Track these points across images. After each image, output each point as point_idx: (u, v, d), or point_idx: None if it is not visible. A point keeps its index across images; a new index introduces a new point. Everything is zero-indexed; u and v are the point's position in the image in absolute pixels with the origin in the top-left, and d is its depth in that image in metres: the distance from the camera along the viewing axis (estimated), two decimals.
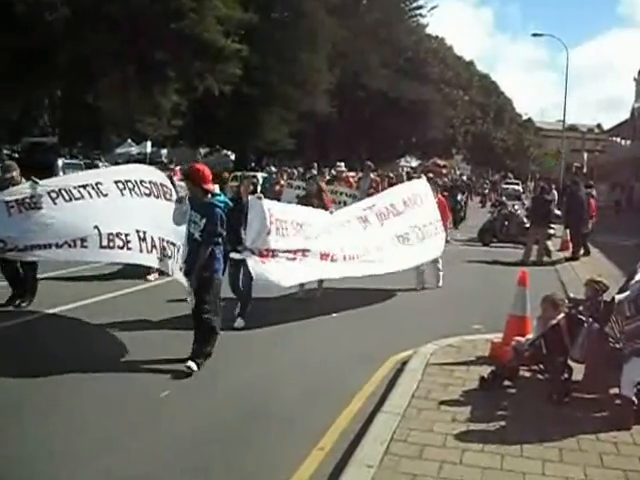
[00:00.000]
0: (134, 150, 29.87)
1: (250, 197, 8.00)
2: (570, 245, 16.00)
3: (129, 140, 30.37)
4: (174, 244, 6.58)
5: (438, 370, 6.31)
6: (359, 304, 9.46)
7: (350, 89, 47.20)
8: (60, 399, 5.54)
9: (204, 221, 6.37)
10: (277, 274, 7.91)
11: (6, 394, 5.53)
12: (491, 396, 5.60)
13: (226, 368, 6.46)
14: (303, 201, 10.38)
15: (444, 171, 29.01)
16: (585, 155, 42.94)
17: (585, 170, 38.27)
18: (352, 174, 21.93)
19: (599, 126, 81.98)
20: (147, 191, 6.88)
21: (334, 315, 8.78)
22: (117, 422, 5.12)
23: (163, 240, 6.57)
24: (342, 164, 20.27)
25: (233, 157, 34.27)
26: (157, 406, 5.51)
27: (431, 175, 17.41)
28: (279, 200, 13.86)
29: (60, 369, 6.09)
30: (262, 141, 39.32)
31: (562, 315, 5.63)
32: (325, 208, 9.74)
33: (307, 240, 8.50)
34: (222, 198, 6.60)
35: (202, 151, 33.98)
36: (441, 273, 11.16)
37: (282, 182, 17.15)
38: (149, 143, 27.82)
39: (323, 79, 41.14)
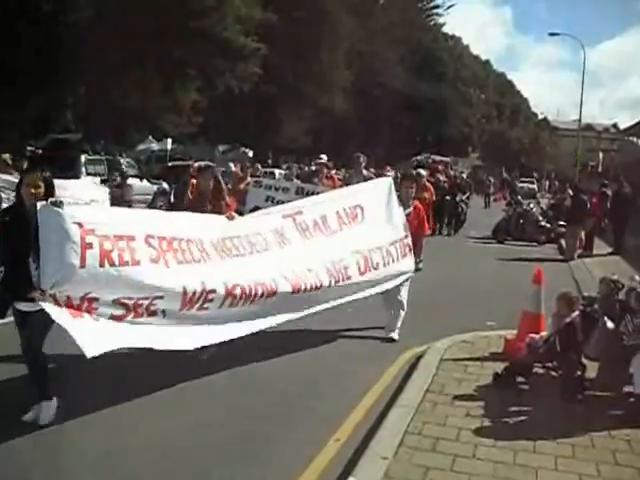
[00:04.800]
0: (155, 147, 30.15)
1: (40, 204, 4.61)
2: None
3: (150, 137, 30.66)
4: None
5: (452, 365, 6.37)
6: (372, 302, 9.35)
7: (367, 87, 47.35)
8: None
9: None
10: (106, 334, 4.76)
11: None
12: (504, 392, 5.64)
13: (239, 366, 6.44)
14: (192, 203, 7.02)
15: (440, 167, 26.06)
16: (601, 155, 42.64)
17: (600, 169, 37.96)
18: (337, 173, 17.74)
19: (615, 125, 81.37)
20: None
21: (349, 310, 8.82)
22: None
23: None
24: (324, 156, 16.18)
25: (251, 154, 34.46)
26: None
27: (423, 172, 15.36)
28: (244, 203, 11.19)
29: None
30: (280, 138, 39.53)
31: (577, 313, 5.67)
32: (220, 211, 6.62)
33: (184, 269, 5.31)
34: None
35: (221, 148, 34.19)
36: (402, 314, 7.70)
37: (248, 179, 13.13)
38: (169, 140, 28.08)
39: (340, 77, 41.31)
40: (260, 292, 5.77)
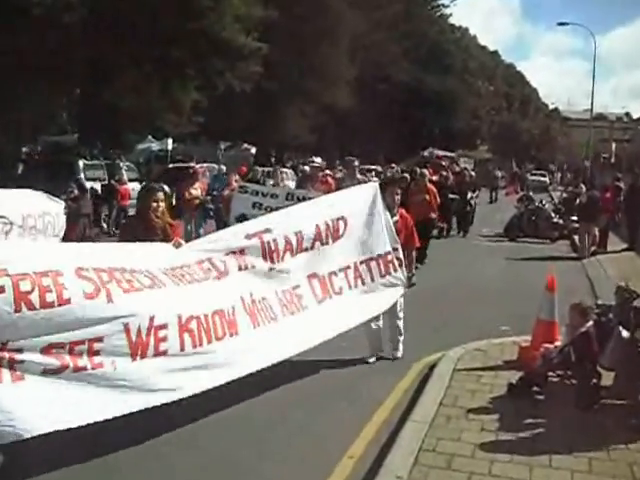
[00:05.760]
0: (155, 146, 30.00)
1: None
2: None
3: (149, 136, 30.52)
4: None
5: (465, 376, 6.31)
6: None
7: (372, 82, 47.09)
8: None
9: None
10: (25, 408, 3.94)
11: None
12: (519, 403, 5.59)
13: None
14: (129, 227, 6.47)
15: (444, 163, 24.18)
16: (613, 145, 42.30)
17: (613, 160, 37.66)
18: (332, 173, 15.72)
19: (628, 114, 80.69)
20: None
21: None
22: None
23: None
24: (318, 159, 15.68)
25: (254, 151, 34.35)
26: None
27: (425, 171, 14.07)
28: (228, 210, 10.83)
29: None
30: (283, 136, 39.41)
31: (591, 323, 5.61)
32: (166, 237, 5.72)
33: (131, 299, 4.47)
34: None
35: (222, 146, 34.01)
36: (401, 338, 7.06)
37: (234, 184, 12.42)
38: (170, 140, 27.97)
39: (344, 72, 41.08)
40: (219, 323, 5.01)
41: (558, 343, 5.98)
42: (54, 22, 20.00)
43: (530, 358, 6.22)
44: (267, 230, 5.75)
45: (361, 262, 6.39)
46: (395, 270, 6.62)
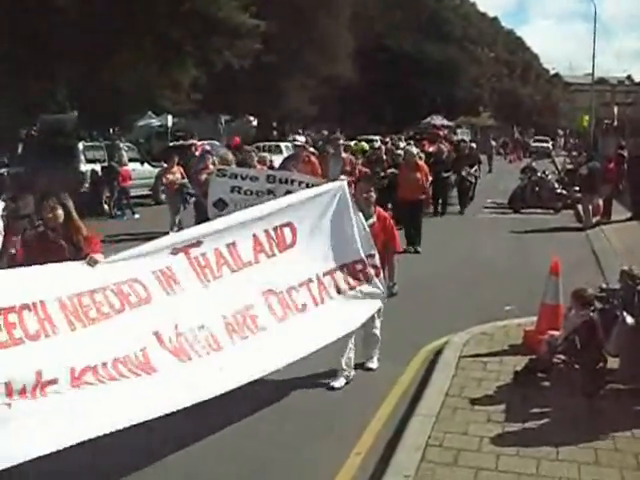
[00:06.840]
0: (155, 123, 29.74)
1: None
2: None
3: (149, 112, 30.27)
4: None
5: (471, 363, 6.28)
6: None
7: (371, 52, 46.72)
8: None
9: None
10: None
11: None
12: (525, 391, 5.56)
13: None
14: (29, 248, 5.15)
15: (441, 133, 22.90)
16: (616, 109, 41.84)
17: (616, 124, 37.34)
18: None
19: (629, 77, 79.79)
20: None
21: None
22: None
23: None
24: (301, 138, 14.48)
25: (255, 123, 33.89)
26: None
27: (414, 149, 13.57)
28: (205, 196, 9.47)
29: None
30: (284, 108, 39.11)
31: (595, 311, 5.56)
32: (78, 253, 4.81)
33: (8, 354, 3.83)
34: None
35: (223, 119, 33.56)
36: (377, 349, 6.42)
37: (210, 167, 11.16)
38: (170, 117, 27.67)
39: (344, 43, 40.68)
40: (122, 371, 4.21)
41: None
42: (49, 4, 19.78)
43: (535, 342, 6.20)
44: (197, 243, 4.95)
45: (325, 274, 5.56)
46: (370, 280, 5.78)
